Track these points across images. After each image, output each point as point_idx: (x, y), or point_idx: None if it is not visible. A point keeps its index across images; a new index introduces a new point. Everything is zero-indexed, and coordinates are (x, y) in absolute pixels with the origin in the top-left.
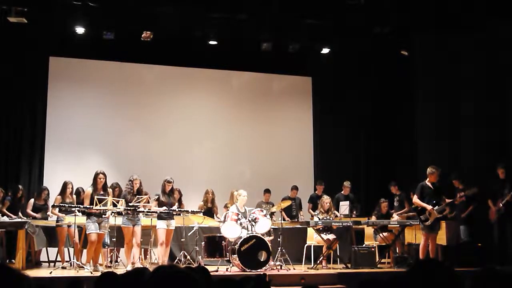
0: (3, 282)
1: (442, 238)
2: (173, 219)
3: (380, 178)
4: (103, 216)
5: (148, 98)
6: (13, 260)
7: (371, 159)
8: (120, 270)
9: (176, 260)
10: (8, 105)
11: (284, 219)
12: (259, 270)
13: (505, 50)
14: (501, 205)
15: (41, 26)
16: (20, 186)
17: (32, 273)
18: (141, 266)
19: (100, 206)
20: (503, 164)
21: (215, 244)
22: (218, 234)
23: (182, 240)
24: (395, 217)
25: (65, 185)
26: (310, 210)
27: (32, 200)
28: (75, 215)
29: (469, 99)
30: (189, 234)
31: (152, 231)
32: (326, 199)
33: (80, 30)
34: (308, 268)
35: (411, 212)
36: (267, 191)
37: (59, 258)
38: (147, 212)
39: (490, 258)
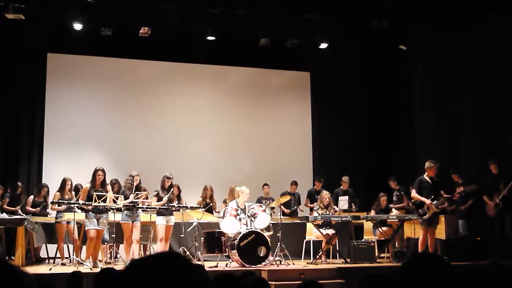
0: (2, 279)
1: (441, 232)
2: (172, 215)
3: (379, 172)
4: (103, 212)
5: (146, 94)
6: (12, 257)
7: (370, 153)
8: (119, 266)
9: None
10: (6, 102)
11: (284, 213)
12: (258, 266)
13: (505, 48)
14: (497, 200)
15: (39, 22)
16: (19, 183)
17: (32, 269)
18: None
19: (99, 203)
20: (495, 159)
21: (214, 240)
22: (217, 230)
23: (181, 235)
24: (394, 211)
25: (64, 182)
26: (308, 204)
27: (31, 197)
28: (74, 212)
29: (468, 94)
30: (188, 230)
31: (151, 227)
32: (326, 195)
33: (77, 26)
34: (307, 263)
35: (409, 206)
36: (265, 184)
37: (58, 255)
38: (146, 208)
39: (491, 252)
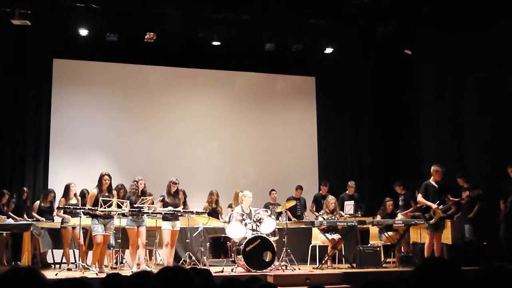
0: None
1: (447, 237)
2: (178, 220)
3: (384, 177)
4: (110, 217)
5: (151, 99)
6: (18, 262)
7: (376, 158)
8: (125, 272)
9: (181, 261)
10: (12, 107)
11: (289, 219)
12: (264, 271)
13: (507, 49)
14: (508, 203)
15: (45, 28)
16: (25, 188)
17: None
18: (146, 267)
19: (105, 208)
20: None
21: (220, 245)
22: (223, 235)
23: (187, 241)
24: (400, 216)
25: (67, 187)
26: (312, 210)
27: (37, 202)
28: (79, 217)
29: (472, 98)
30: (194, 235)
31: (157, 232)
32: (331, 199)
33: (83, 32)
34: (313, 268)
35: (416, 211)
36: (272, 190)
37: (64, 260)
38: (152, 213)
39: (495, 256)
